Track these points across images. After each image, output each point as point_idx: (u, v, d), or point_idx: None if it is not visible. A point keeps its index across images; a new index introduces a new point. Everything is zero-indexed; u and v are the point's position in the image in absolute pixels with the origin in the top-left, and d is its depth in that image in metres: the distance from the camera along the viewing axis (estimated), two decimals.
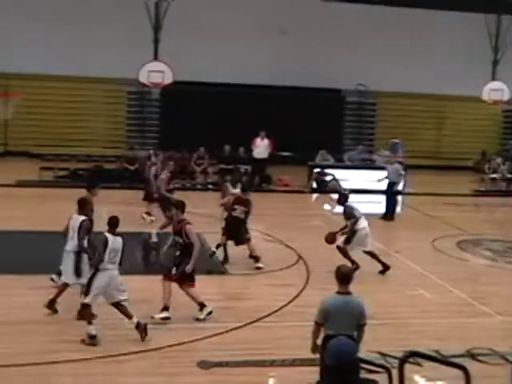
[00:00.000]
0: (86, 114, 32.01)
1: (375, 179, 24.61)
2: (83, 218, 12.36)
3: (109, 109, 32.55)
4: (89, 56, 30.73)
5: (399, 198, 24.95)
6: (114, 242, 11.29)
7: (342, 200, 16.42)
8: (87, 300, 11.01)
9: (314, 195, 26.95)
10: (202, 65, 30.85)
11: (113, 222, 11.47)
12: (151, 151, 25.61)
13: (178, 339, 11.29)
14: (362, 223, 15.83)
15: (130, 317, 11.24)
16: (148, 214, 20.39)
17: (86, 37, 31.03)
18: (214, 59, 31.45)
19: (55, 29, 30.63)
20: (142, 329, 11.11)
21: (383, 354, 10.71)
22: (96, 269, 11.22)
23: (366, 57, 33.33)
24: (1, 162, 29.90)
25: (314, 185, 27.48)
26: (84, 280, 11.66)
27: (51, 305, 12.13)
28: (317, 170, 27.78)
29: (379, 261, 15.93)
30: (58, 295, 12.19)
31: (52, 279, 13.36)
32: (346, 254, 15.46)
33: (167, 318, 11.97)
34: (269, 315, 12.74)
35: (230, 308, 13.13)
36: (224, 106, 31.63)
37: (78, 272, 12.02)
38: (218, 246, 16.26)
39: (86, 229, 12.22)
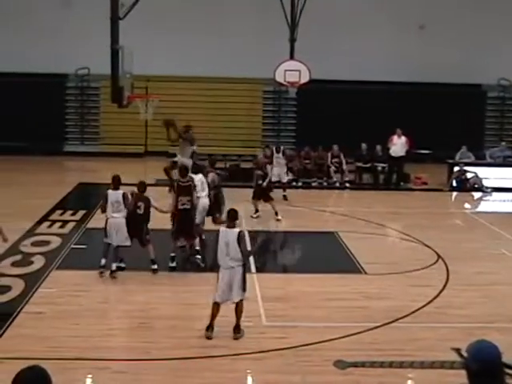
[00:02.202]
0: (222, 115, 32.44)
1: None
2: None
3: (246, 108, 32.87)
4: (225, 56, 31.13)
5: None
6: (115, 195, 14.16)
7: None
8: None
9: (454, 193, 26.30)
10: (338, 63, 30.69)
11: (114, 180, 14.35)
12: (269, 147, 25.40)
13: (314, 338, 11.24)
14: None
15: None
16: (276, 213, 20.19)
17: (222, 37, 31.45)
18: (350, 56, 31.22)
19: (192, 30, 31.18)
20: None
21: None
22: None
23: (509, 50, 32.21)
24: (141, 162, 30.76)
25: (454, 183, 26.81)
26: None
27: None
28: (457, 167, 27.07)
29: None
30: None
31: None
32: None
33: None
34: (406, 316, 12.51)
35: (366, 308, 12.97)
36: (360, 104, 31.34)
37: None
38: None
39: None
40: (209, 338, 11.08)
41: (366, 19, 31.80)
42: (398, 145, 27.01)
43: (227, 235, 11.17)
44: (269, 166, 20.88)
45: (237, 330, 11.21)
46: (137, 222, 14.47)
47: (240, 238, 11.17)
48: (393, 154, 27.01)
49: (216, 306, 11.20)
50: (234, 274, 11.12)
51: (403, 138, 26.98)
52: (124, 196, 14.30)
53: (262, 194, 19.84)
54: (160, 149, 31.61)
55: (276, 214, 19.82)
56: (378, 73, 31.50)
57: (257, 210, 20.01)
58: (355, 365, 10.35)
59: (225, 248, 11.11)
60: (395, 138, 27.03)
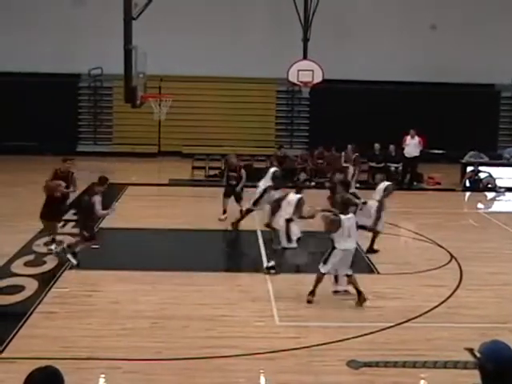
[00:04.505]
0: (236, 115, 32.44)
1: None
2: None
3: (259, 108, 32.84)
4: (239, 56, 31.13)
5: None
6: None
7: None
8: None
9: (467, 194, 26.19)
10: (351, 62, 30.69)
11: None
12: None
13: (327, 338, 11.21)
14: None
15: None
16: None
17: (235, 37, 31.47)
18: (363, 56, 31.22)
19: (205, 30, 31.19)
20: None
21: None
22: None
23: None
24: (154, 161, 30.81)
25: (467, 183, 26.70)
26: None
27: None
28: (471, 167, 26.95)
29: None
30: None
31: None
32: None
33: None
34: (420, 316, 12.46)
35: (379, 308, 12.92)
36: (374, 104, 31.27)
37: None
38: None
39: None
40: (309, 301, 12.66)
41: (378, 19, 31.77)
42: (412, 145, 26.98)
43: (349, 221, 12.74)
44: (243, 170, 20.13)
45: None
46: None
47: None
48: (406, 155, 26.98)
49: (322, 277, 12.90)
50: (350, 253, 12.88)
51: (416, 139, 26.95)
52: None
53: (233, 194, 19.65)
54: (173, 149, 31.73)
55: (224, 212, 19.67)
56: (392, 73, 31.41)
57: (224, 211, 19.76)
58: (369, 365, 10.31)
59: (347, 231, 12.71)
60: (408, 138, 27.01)
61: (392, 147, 27.40)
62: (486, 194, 25.66)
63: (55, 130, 30.45)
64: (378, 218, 16.27)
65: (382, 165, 27.12)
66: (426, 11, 31.90)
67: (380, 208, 16.33)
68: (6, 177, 25.33)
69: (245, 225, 18.47)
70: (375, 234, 16.37)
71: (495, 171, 26.66)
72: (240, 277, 14.83)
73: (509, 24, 32.04)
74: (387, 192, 16.74)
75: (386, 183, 17.29)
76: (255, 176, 25.87)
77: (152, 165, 30.04)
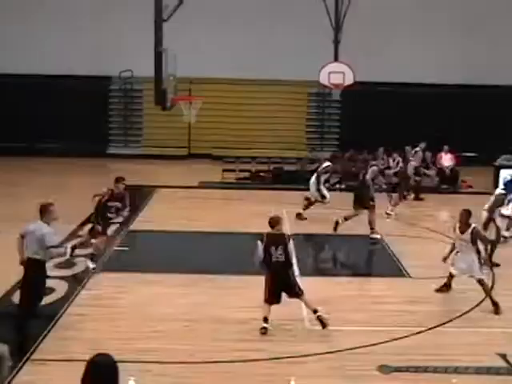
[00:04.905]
0: (266, 117, 32.40)
1: None
2: None
3: (289, 110, 32.76)
4: (269, 58, 31.08)
5: None
6: None
7: None
8: None
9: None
10: (382, 64, 30.52)
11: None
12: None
13: (358, 342, 11.11)
14: None
15: None
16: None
17: (266, 39, 31.41)
18: (395, 58, 31.06)
19: (235, 32, 31.20)
20: None
21: None
22: None
23: None
24: (184, 164, 30.85)
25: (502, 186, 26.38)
26: None
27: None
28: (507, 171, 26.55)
29: None
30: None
31: None
32: None
33: None
34: (451, 320, 12.32)
35: (411, 312, 12.80)
36: (404, 106, 31.10)
37: None
38: None
39: None
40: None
41: (410, 20, 31.58)
42: (447, 159, 27.33)
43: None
44: (128, 199, 16.01)
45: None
46: None
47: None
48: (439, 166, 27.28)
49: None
50: None
51: (449, 155, 27.24)
52: None
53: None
54: (203, 151, 31.76)
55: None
56: (423, 74, 31.21)
57: None
58: (400, 370, 10.21)
59: None
60: (443, 154, 27.31)
61: (428, 154, 27.32)
62: None
63: (86, 132, 30.63)
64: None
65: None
66: (459, 12, 31.67)
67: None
68: (48, 179, 25.55)
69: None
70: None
71: None
72: None
73: None
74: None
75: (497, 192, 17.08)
76: (287, 179, 26.22)
77: (182, 167, 30.08)
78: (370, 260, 17.94)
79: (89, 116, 30.89)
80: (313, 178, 20.74)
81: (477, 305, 13.12)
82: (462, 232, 12.98)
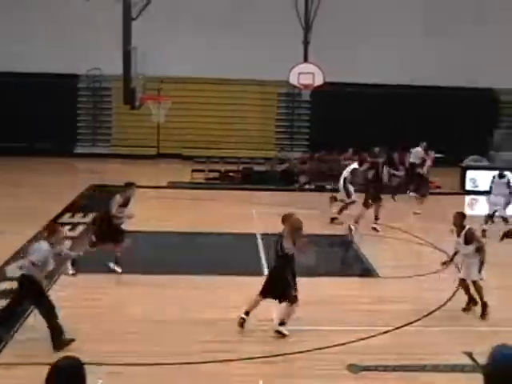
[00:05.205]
0: (236, 117, 32.39)
1: None
2: None
3: (259, 111, 32.80)
4: (240, 58, 31.04)
5: None
6: None
7: None
8: None
9: (467, 197, 26.12)
10: (352, 65, 30.65)
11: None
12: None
13: (327, 342, 11.12)
14: None
15: None
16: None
17: (236, 39, 31.36)
18: (364, 59, 31.20)
19: (206, 32, 31.13)
20: None
21: None
22: None
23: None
24: (153, 164, 30.71)
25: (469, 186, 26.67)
26: None
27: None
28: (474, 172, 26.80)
29: None
30: None
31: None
32: None
33: None
34: (419, 319, 12.38)
35: (380, 311, 12.85)
36: (373, 107, 31.26)
37: None
38: None
39: None
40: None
41: (378, 22, 31.72)
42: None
43: None
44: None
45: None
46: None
47: None
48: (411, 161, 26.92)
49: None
50: None
51: (432, 155, 26.69)
52: None
53: None
54: (173, 151, 31.66)
55: None
56: (391, 76, 31.37)
57: None
58: (368, 369, 10.23)
59: None
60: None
61: (396, 155, 27.37)
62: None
63: (54, 132, 30.36)
64: None
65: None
66: (422, 15, 31.93)
67: None
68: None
69: (243, 228, 18.48)
70: None
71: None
72: (239, 280, 14.69)
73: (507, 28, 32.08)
74: None
75: None
76: (256, 179, 26.20)
77: (151, 167, 29.95)
78: (340, 260, 17.96)
79: (56, 115, 30.61)
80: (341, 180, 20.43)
81: (443, 304, 13.20)
82: (458, 235, 12.92)
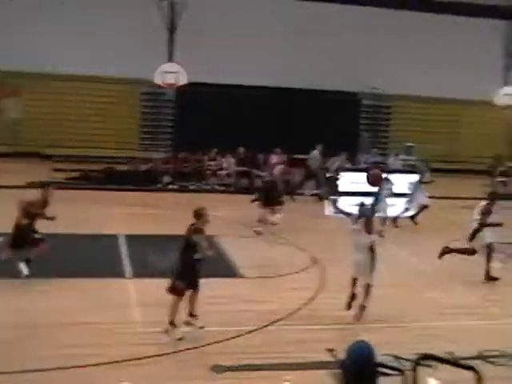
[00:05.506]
0: (98, 115, 31.88)
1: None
2: None
3: (122, 109, 32.42)
4: (103, 55, 30.59)
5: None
6: None
7: None
8: None
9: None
10: (217, 66, 30.75)
11: None
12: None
13: (191, 343, 11.12)
14: None
15: None
16: None
17: (101, 36, 30.86)
18: (228, 60, 31.35)
19: (69, 27, 30.51)
20: None
21: (397, 357, 10.48)
22: None
23: (381, 60, 33.17)
24: (10, 162, 29.65)
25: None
26: None
27: None
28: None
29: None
30: None
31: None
32: None
33: None
34: (282, 318, 12.56)
35: (244, 311, 12.95)
36: (239, 108, 31.51)
37: None
38: None
39: None
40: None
41: (243, 23, 31.96)
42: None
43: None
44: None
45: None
46: None
47: None
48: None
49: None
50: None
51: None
52: None
53: None
54: (31, 149, 30.72)
55: None
56: (257, 78, 31.72)
57: None
58: (233, 369, 10.29)
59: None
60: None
61: (261, 156, 27.73)
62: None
63: None
64: None
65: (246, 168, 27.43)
66: (288, 17, 32.47)
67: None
68: None
69: (105, 227, 18.25)
70: None
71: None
72: (100, 282, 14.43)
73: (368, 41, 33.11)
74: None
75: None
76: (118, 178, 25.85)
77: (7, 166, 28.86)
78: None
79: None
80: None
81: (306, 303, 13.46)
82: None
